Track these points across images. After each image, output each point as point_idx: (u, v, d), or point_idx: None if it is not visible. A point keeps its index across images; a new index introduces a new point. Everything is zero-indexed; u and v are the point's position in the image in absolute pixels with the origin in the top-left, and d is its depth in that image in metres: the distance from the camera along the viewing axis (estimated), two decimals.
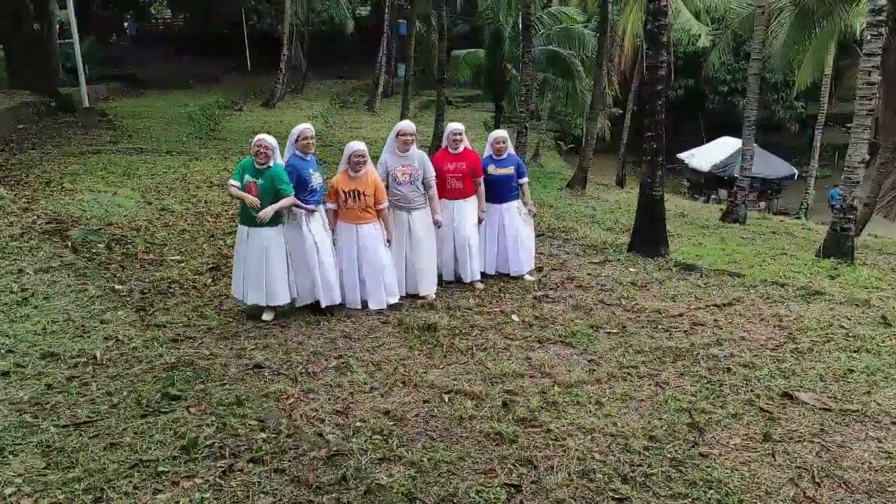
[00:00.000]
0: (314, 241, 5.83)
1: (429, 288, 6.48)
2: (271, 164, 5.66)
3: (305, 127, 5.97)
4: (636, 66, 21.54)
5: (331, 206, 6.04)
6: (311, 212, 5.83)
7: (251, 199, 5.57)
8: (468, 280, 6.75)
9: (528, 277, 7.00)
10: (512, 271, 6.98)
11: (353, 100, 28.08)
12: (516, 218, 6.91)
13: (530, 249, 7.09)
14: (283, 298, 5.84)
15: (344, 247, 6.07)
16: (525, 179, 7.03)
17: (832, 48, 18.25)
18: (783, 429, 4.09)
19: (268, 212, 5.56)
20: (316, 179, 5.94)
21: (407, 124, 6.43)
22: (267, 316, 5.82)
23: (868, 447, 3.90)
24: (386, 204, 6.13)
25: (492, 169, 6.84)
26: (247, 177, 5.65)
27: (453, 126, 6.86)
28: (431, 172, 6.39)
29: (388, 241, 6.17)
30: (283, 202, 5.63)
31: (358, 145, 6.05)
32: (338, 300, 6.02)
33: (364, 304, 6.12)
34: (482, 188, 6.75)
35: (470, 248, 6.67)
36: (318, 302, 5.93)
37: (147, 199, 9.54)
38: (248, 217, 5.67)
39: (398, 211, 6.32)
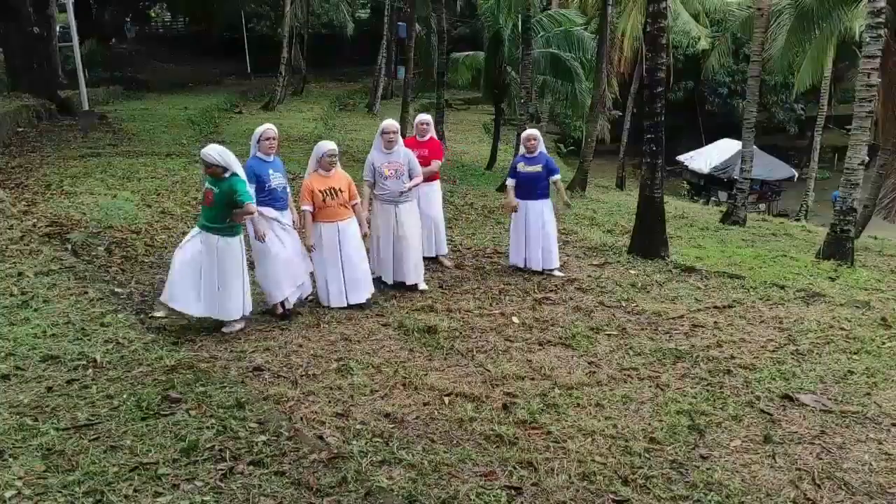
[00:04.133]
0: (277, 241, 5.79)
1: (417, 277, 6.69)
2: (227, 175, 5.38)
3: (268, 127, 5.87)
4: (636, 68, 21.56)
5: (307, 208, 6.03)
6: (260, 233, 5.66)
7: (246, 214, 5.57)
8: (433, 254, 7.37)
9: (557, 273, 7.22)
10: (533, 266, 7.24)
11: (353, 102, 28.08)
12: (540, 216, 7.15)
13: (552, 248, 7.28)
14: (234, 313, 5.55)
15: (327, 249, 6.07)
16: (557, 177, 7.26)
17: (831, 50, 18.27)
18: (783, 430, 4.09)
19: (243, 219, 5.49)
20: (276, 181, 5.81)
21: (390, 123, 6.71)
22: (234, 326, 5.61)
23: (868, 449, 3.90)
24: (358, 201, 6.28)
25: (521, 166, 7.20)
26: (206, 184, 5.54)
27: (422, 116, 7.71)
28: (417, 169, 6.74)
29: (365, 235, 6.35)
30: (244, 210, 5.36)
31: (329, 145, 6.14)
32: (293, 296, 5.97)
33: (347, 300, 6.21)
34: (433, 167, 7.25)
35: (433, 223, 7.32)
36: (283, 303, 5.89)
37: (147, 202, 9.53)
38: (202, 223, 5.50)
39: (385, 204, 6.59)
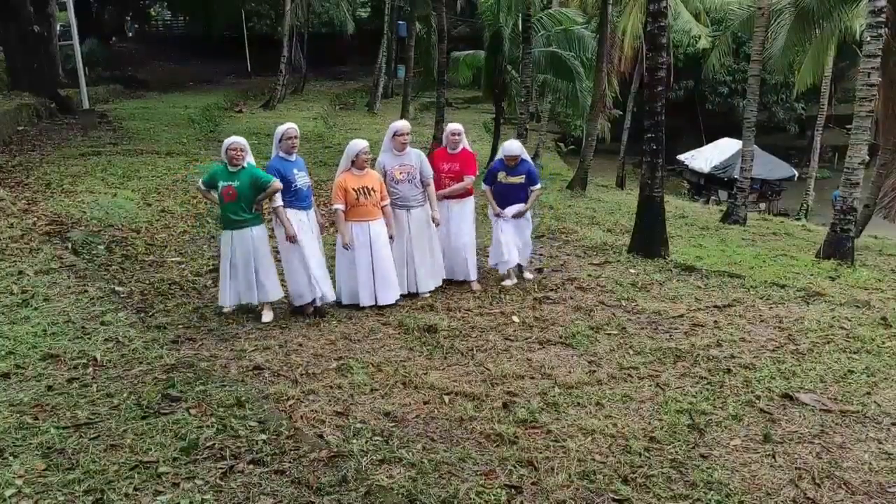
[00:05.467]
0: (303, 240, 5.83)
1: (428, 285, 6.54)
2: (244, 164, 5.69)
3: (290, 126, 5.92)
4: (636, 67, 21.54)
5: (339, 206, 6.04)
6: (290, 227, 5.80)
7: (212, 196, 5.79)
8: (461, 278, 6.81)
9: (527, 276, 7.09)
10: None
11: (353, 101, 28.07)
12: (520, 221, 6.85)
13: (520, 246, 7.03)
14: (275, 294, 5.91)
15: (359, 248, 6.08)
16: (538, 187, 6.90)
17: (832, 50, 18.24)
18: (783, 430, 4.10)
19: (261, 201, 5.74)
20: (301, 180, 5.88)
21: (403, 124, 6.47)
22: (266, 317, 5.83)
23: (868, 448, 3.90)
24: (388, 202, 6.21)
25: (501, 176, 6.81)
26: (221, 183, 5.68)
27: (452, 126, 6.88)
28: (429, 171, 6.47)
29: (391, 237, 6.23)
30: (272, 189, 5.68)
31: (363, 143, 6.10)
32: (330, 298, 6.03)
33: (376, 300, 6.17)
34: (464, 184, 6.70)
35: (465, 248, 6.73)
36: (312, 302, 5.94)
37: (147, 201, 9.54)
38: (230, 221, 5.72)
39: (398, 210, 6.37)
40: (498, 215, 6.81)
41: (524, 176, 6.79)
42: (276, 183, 5.69)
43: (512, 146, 6.85)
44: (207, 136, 16.59)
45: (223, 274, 5.84)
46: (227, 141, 5.72)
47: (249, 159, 5.76)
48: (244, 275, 5.75)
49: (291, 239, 5.76)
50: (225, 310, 5.94)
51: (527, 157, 6.96)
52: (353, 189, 6.00)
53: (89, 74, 19.86)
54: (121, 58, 27.07)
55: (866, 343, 5.39)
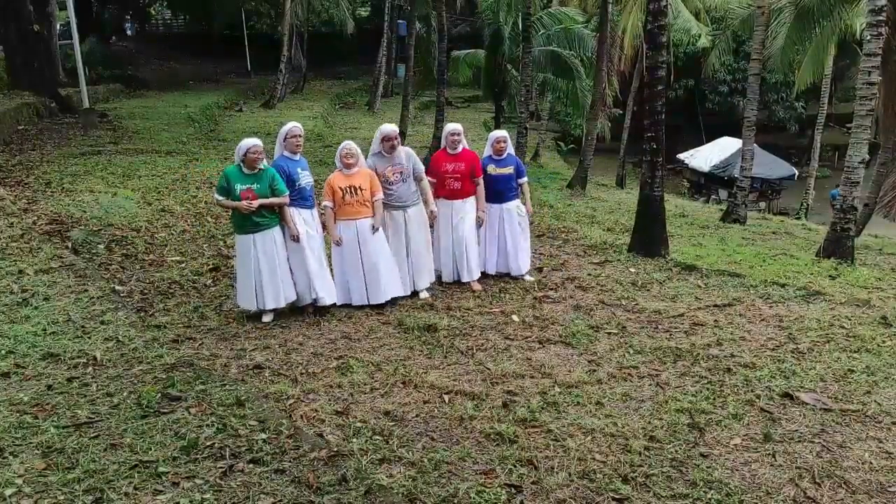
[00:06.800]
0: (304, 240, 5.84)
1: (426, 283, 6.55)
2: (262, 166, 5.67)
3: (294, 125, 5.96)
4: (636, 66, 21.53)
5: (328, 204, 6.06)
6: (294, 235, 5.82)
7: (246, 205, 5.56)
8: (466, 280, 6.78)
9: (527, 278, 7.02)
10: (512, 271, 7.01)
11: (353, 100, 28.08)
12: (515, 218, 6.93)
13: (527, 249, 7.12)
14: (292, 294, 5.88)
15: (346, 245, 6.09)
16: (525, 179, 7.08)
17: (832, 48, 18.23)
18: (783, 429, 4.09)
19: (259, 203, 5.57)
20: (304, 179, 5.92)
21: (390, 128, 6.37)
22: (266, 318, 5.82)
23: (868, 447, 3.90)
24: (381, 196, 6.18)
25: (491, 168, 6.88)
26: (238, 186, 5.59)
27: (451, 126, 6.91)
28: (420, 166, 6.47)
29: (375, 228, 6.12)
30: (275, 199, 5.67)
31: (347, 144, 6.14)
32: (329, 300, 6.01)
33: (367, 300, 6.16)
34: (482, 187, 6.78)
35: (468, 248, 6.72)
36: (314, 301, 5.95)
37: (147, 200, 9.54)
38: (253, 224, 5.66)
39: (394, 210, 6.36)
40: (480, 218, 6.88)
41: (512, 167, 6.94)
42: (286, 198, 5.72)
43: (499, 132, 7.25)
44: (207, 136, 16.61)
45: (247, 275, 5.71)
46: (246, 144, 5.60)
47: (264, 160, 5.76)
48: (271, 278, 5.69)
49: (295, 238, 5.77)
50: (261, 314, 5.84)
51: (511, 149, 7.16)
52: (340, 188, 6.03)
53: (89, 74, 19.84)
54: (121, 57, 27.02)
55: (866, 342, 5.39)
